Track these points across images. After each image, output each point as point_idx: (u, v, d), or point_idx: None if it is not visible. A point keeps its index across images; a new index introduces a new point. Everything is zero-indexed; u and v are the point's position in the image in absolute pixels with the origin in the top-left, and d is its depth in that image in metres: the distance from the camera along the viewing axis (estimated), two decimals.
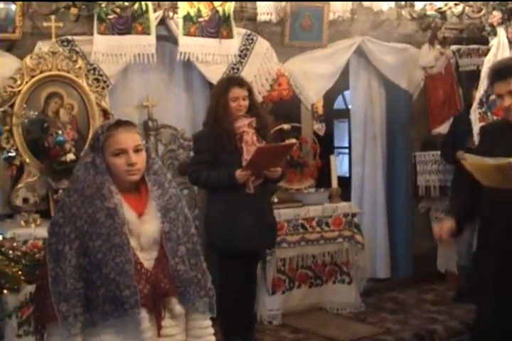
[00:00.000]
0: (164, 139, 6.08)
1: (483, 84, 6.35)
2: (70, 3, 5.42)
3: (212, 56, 6.12)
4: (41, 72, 5.44)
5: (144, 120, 5.98)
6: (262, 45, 6.41)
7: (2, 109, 5.01)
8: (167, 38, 6.11)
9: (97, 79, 5.69)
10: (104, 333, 2.67)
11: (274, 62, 6.49)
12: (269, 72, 6.45)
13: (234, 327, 5.18)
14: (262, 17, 6.44)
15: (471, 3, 6.96)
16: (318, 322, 6.12)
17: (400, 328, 5.93)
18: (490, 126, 4.71)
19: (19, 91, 5.35)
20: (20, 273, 3.72)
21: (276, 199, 6.04)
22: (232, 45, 6.21)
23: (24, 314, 4.67)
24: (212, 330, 2.95)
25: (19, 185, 5.39)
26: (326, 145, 7.62)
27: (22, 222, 5.19)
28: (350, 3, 6.75)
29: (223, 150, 4.98)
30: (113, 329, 2.67)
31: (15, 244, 3.90)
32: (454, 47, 7.37)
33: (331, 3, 6.65)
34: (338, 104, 10.32)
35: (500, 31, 6.34)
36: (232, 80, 5.23)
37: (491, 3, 6.50)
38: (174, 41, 6.05)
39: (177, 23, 5.97)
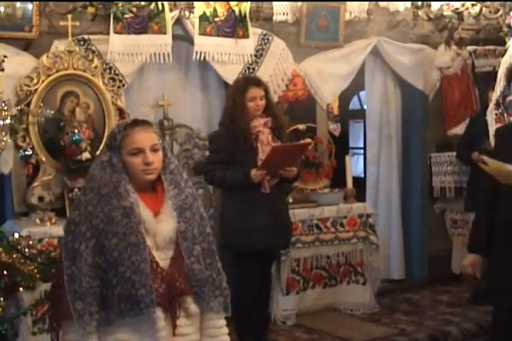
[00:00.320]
0: (179, 139, 6.08)
1: (499, 85, 6.33)
2: (87, 2, 5.43)
3: (228, 56, 6.12)
4: (57, 71, 5.47)
5: (159, 119, 5.98)
6: (278, 45, 6.41)
7: (19, 108, 5.02)
8: (183, 38, 6.12)
9: (113, 79, 5.71)
10: (120, 331, 2.68)
11: (290, 62, 6.49)
12: (284, 72, 6.45)
13: (248, 327, 5.18)
14: (278, 17, 6.45)
15: (488, 3, 6.93)
16: (332, 322, 6.11)
17: (414, 329, 5.91)
18: (505, 128, 4.68)
19: (35, 90, 5.37)
20: (35, 271, 3.74)
21: (291, 200, 6.03)
22: (248, 45, 6.21)
23: (39, 312, 4.68)
24: (226, 330, 2.95)
25: (35, 184, 5.41)
26: (341, 145, 7.60)
27: (37, 221, 5.21)
28: (367, 3, 6.75)
29: (239, 149, 4.98)
30: (128, 327, 2.67)
31: (31, 242, 3.91)
32: (470, 47, 7.35)
33: (348, 3, 6.65)
34: (354, 104, 10.30)
35: None
36: (250, 80, 5.23)
37: (509, 3, 6.48)
38: (190, 41, 6.06)
39: (193, 23, 5.97)
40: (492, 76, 6.81)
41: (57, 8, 5.45)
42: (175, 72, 6.33)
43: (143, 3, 5.65)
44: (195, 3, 5.93)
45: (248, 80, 5.23)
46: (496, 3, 6.85)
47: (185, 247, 2.78)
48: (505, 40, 6.54)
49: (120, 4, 5.55)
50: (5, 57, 4.71)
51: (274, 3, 6.39)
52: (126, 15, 5.64)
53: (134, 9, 5.61)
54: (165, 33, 5.81)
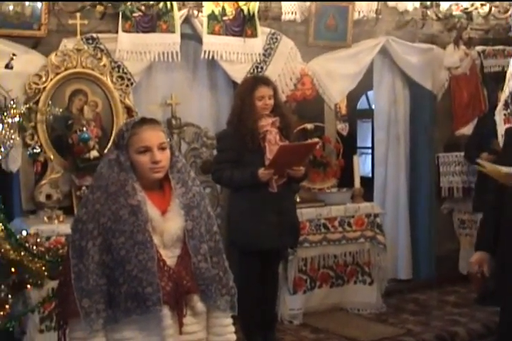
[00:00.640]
0: (187, 137, 6.09)
1: (508, 85, 6.30)
2: (96, 1, 5.44)
3: (236, 55, 6.12)
4: (66, 69, 5.47)
5: (167, 118, 5.98)
6: (287, 44, 6.41)
7: (27, 106, 5.03)
8: (191, 37, 6.12)
9: (121, 77, 5.71)
10: (126, 329, 2.68)
11: (298, 61, 6.48)
12: (293, 72, 6.45)
13: (255, 326, 5.18)
14: (286, 16, 6.44)
15: (498, 3, 6.91)
16: (338, 322, 6.11)
17: (421, 330, 5.89)
18: None
19: (44, 88, 5.38)
20: (43, 268, 3.74)
21: (298, 199, 6.02)
22: (256, 44, 6.21)
23: (46, 309, 4.70)
24: (233, 328, 2.95)
25: (43, 182, 5.42)
26: (349, 145, 7.60)
27: (45, 218, 5.22)
28: (375, 2, 6.73)
29: (246, 149, 4.97)
30: (135, 325, 2.68)
31: (38, 240, 3.92)
32: (479, 47, 7.34)
33: (356, 2, 6.63)
34: (362, 104, 10.29)
35: None
36: (258, 79, 5.23)
37: None
38: (198, 40, 6.06)
39: (201, 22, 5.98)
40: (501, 76, 6.78)
41: (66, 7, 5.46)
42: (183, 70, 6.33)
43: (151, 2, 5.66)
44: (204, 2, 5.93)
45: (257, 79, 5.23)
46: (506, 3, 6.84)
47: (193, 246, 2.78)
48: None
49: (129, 3, 5.56)
50: (14, 55, 4.71)
51: (282, 2, 6.38)
52: (134, 14, 5.65)
53: (143, 8, 5.62)
54: (173, 32, 5.81)
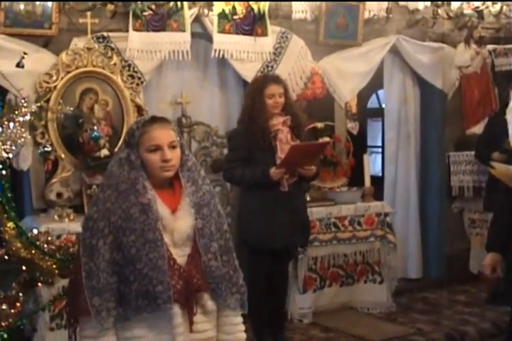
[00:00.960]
0: (198, 136, 6.09)
1: None
2: (107, 0, 5.46)
3: (246, 54, 6.12)
4: (76, 68, 5.49)
5: (177, 117, 5.99)
6: (297, 43, 6.40)
7: (38, 105, 5.04)
8: (202, 35, 6.13)
9: (132, 76, 5.72)
10: (137, 327, 2.68)
11: (309, 60, 6.47)
12: (303, 70, 6.44)
13: (264, 325, 5.18)
14: (296, 15, 6.44)
15: (509, 2, 6.89)
16: (348, 321, 6.10)
17: (431, 329, 5.89)
18: None
19: (55, 86, 5.40)
20: (54, 266, 3.75)
21: (308, 198, 6.02)
22: (266, 43, 6.21)
23: (57, 308, 4.72)
24: (243, 327, 2.95)
25: (53, 180, 5.44)
26: (359, 144, 7.59)
27: (56, 217, 5.24)
28: (386, 1, 6.73)
29: (257, 148, 4.98)
30: (145, 323, 2.68)
31: (49, 238, 3.93)
32: (490, 46, 7.32)
33: (367, 1, 6.62)
34: (372, 102, 10.27)
35: None
36: (269, 77, 5.24)
37: None
38: (209, 38, 6.07)
39: (212, 21, 5.98)
40: None
41: (76, 6, 5.48)
42: (193, 69, 6.33)
43: (162, 1, 5.66)
44: (214, 1, 5.93)
45: (267, 77, 5.24)
46: None
47: (203, 244, 2.78)
48: None
49: (139, 2, 5.57)
50: (25, 54, 4.72)
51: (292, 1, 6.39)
52: (145, 13, 5.66)
53: (153, 7, 5.63)
54: (184, 31, 5.82)
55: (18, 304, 3.63)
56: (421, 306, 6.62)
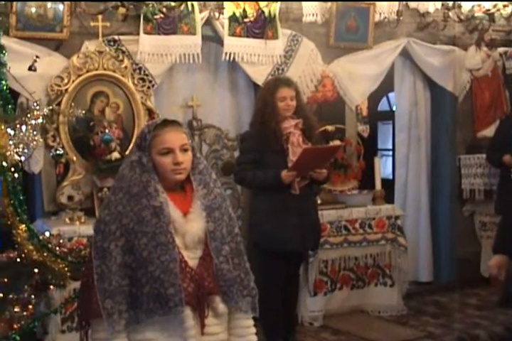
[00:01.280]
0: (208, 139, 6.10)
1: None
2: (119, 3, 5.47)
3: (257, 57, 6.12)
4: (88, 71, 5.50)
5: (188, 120, 6.00)
6: (307, 46, 6.40)
7: (50, 108, 5.05)
8: (212, 38, 6.13)
9: (143, 79, 5.73)
10: (148, 330, 2.69)
11: (319, 63, 6.47)
12: (313, 73, 6.43)
13: (275, 328, 5.18)
14: (307, 18, 6.44)
15: None
16: (359, 324, 6.10)
17: (442, 332, 5.88)
18: None
19: (66, 90, 5.41)
20: (66, 269, 3.76)
21: (319, 201, 6.02)
22: (277, 46, 6.21)
23: (68, 310, 4.73)
24: (254, 330, 2.95)
25: (64, 183, 5.45)
26: (370, 147, 7.58)
27: (67, 220, 5.25)
28: (396, 4, 6.71)
29: (269, 150, 4.98)
30: (157, 326, 2.68)
31: (61, 241, 3.94)
32: (501, 49, 7.31)
33: (377, 4, 6.62)
34: (383, 105, 10.26)
35: None
36: (280, 80, 5.24)
37: None
38: (219, 41, 6.07)
39: (222, 24, 5.99)
40: None
41: (88, 9, 5.49)
42: (204, 72, 6.34)
43: (173, 3, 5.67)
44: (225, 4, 5.94)
45: (279, 80, 5.25)
46: None
47: (214, 247, 2.78)
48: None
49: (151, 5, 5.58)
50: (37, 57, 4.74)
51: (303, 3, 6.38)
52: (156, 16, 5.66)
53: (164, 10, 5.64)
54: (194, 34, 5.82)
55: (30, 306, 3.64)
56: (432, 309, 6.61)
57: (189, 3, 5.76)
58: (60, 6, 5.39)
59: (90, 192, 5.52)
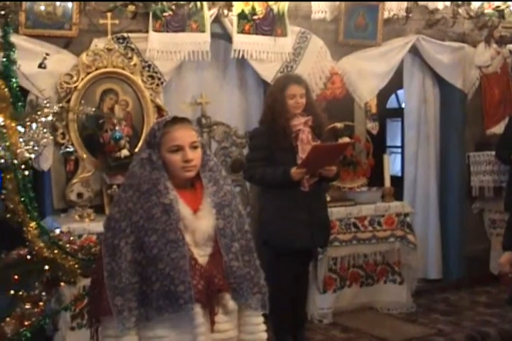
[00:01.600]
0: (217, 136, 6.10)
1: None
2: (128, 1, 5.48)
3: (266, 54, 6.12)
4: (97, 69, 5.51)
5: (197, 117, 6.00)
6: (316, 43, 6.39)
7: (60, 105, 5.06)
8: (221, 36, 6.13)
9: (152, 76, 5.74)
10: (159, 327, 2.69)
11: (328, 60, 6.46)
12: (322, 71, 6.43)
13: (285, 325, 5.18)
14: (316, 15, 6.43)
15: None
16: (368, 321, 6.09)
17: (451, 330, 5.86)
18: None
19: (75, 87, 5.42)
20: (76, 266, 3.77)
21: (328, 198, 6.01)
22: (286, 43, 6.20)
23: (77, 307, 4.73)
24: (264, 327, 2.95)
25: (74, 180, 5.46)
26: (379, 144, 7.57)
27: (76, 217, 5.25)
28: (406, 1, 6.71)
29: (278, 148, 4.98)
30: (167, 323, 2.68)
31: (71, 238, 3.95)
32: (510, 46, 7.28)
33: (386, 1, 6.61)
34: (391, 102, 10.23)
35: None
36: (290, 77, 5.24)
37: None
38: (228, 39, 6.07)
39: (231, 21, 5.99)
40: None
41: (97, 7, 5.50)
42: (213, 70, 6.34)
43: (182, 1, 5.67)
44: (234, 2, 5.94)
45: (289, 78, 5.25)
46: None
47: (224, 244, 2.79)
48: None
49: (159, 2, 5.58)
50: (47, 54, 4.74)
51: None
52: (165, 14, 5.67)
53: (174, 7, 5.64)
54: (203, 31, 5.83)
55: (41, 303, 3.65)
56: (441, 307, 6.59)
57: None
58: (69, 4, 5.39)
59: (99, 190, 5.54)
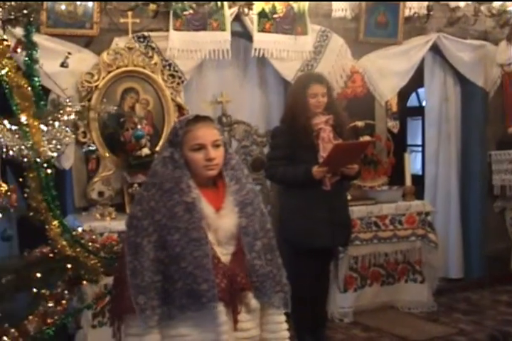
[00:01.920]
0: (238, 135, 6.11)
1: None
2: (149, 0, 5.49)
3: (286, 52, 6.12)
4: (118, 68, 5.52)
5: (218, 116, 6.00)
6: (337, 41, 6.38)
7: (82, 104, 5.08)
8: (242, 34, 6.13)
9: (173, 75, 5.74)
10: (182, 326, 2.68)
11: (349, 58, 6.45)
12: (343, 69, 6.42)
13: (306, 324, 5.17)
14: (336, 13, 6.43)
15: None
16: (389, 320, 6.08)
17: (473, 329, 5.85)
18: None
19: (96, 86, 5.44)
20: (98, 265, 3.78)
21: (349, 197, 5.99)
22: (306, 42, 6.20)
23: (99, 305, 4.75)
24: (286, 325, 2.95)
25: (95, 179, 5.48)
26: (399, 142, 7.55)
27: (97, 215, 5.27)
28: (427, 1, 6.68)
29: (300, 146, 4.96)
30: (190, 322, 2.68)
31: (94, 237, 3.96)
32: None
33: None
34: (412, 101, 10.20)
35: None
36: (312, 76, 5.22)
37: None
38: (249, 37, 6.07)
39: (252, 20, 5.98)
40: None
41: (118, 6, 5.51)
42: (233, 68, 6.35)
43: (202, 0, 5.68)
44: (254, 1, 5.93)
45: (310, 76, 5.22)
46: None
47: (247, 243, 2.78)
48: None
49: (180, 1, 5.59)
50: (69, 53, 4.76)
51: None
52: (185, 12, 5.67)
53: (194, 6, 5.64)
54: (224, 30, 5.83)
55: (63, 302, 3.66)
56: (463, 306, 6.57)
57: None
58: (90, 3, 5.41)
59: (120, 188, 5.55)
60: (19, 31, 3.90)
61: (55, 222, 3.69)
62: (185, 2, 5.63)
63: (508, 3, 6.78)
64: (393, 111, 6.86)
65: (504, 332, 5.70)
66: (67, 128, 3.67)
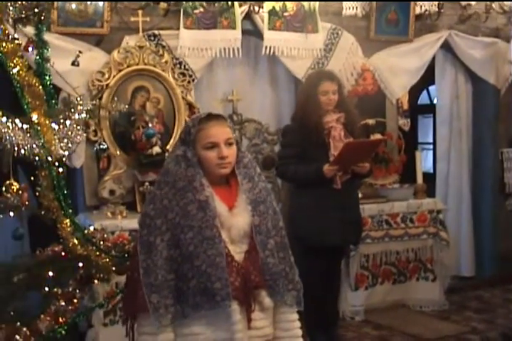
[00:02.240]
0: (248, 133, 6.11)
1: None
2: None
3: (297, 50, 6.11)
4: (128, 66, 5.53)
5: (228, 114, 6.00)
6: (347, 39, 6.37)
7: (93, 102, 5.08)
8: (252, 33, 6.13)
9: (183, 74, 5.75)
10: (195, 324, 2.68)
11: (359, 56, 6.43)
12: (354, 67, 6.41)
13: (317, 323, 5.16)
14: (347, 11, 6.41)
15: None
16: (401, 319, 6.07)
17: (485, 327, 5.83)
18: None
19: (107, 85, 5.45)
20: (110, 263, 3.77)
21: (360, 195, 5.97)
22: (317, 40, 6.19)
23: (110, 304, 4.75)
24: (299, 324, 2.94)
25: (106, 178, 5.48)
26: (410, 140, 7.53)
27: (109, 214, 5.28)
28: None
29: (311, 144, 4.94)
30: (204, 320, 2.67)
31: (105, 235, 3.95)
32: None
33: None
34: (423, 99, 10.18)
35: None
36: (323, 74, 5.20)
37: None
38: (259, 35, 6.06)
39: (262, 18, 5.98)
40: None
41: (129, 4, 5.52)
42: (244, 66, 6.34)
43: None
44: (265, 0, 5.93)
45: (321, 74, 5.21)
46: None
47: (260, 241, 2.77)
48: None
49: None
50: (80, 52, 4.76)
51: None
52: (196, 11, 5.68)
53: (205, 4, 5.64)
54: (234, 28, 5.83)
55: (75, 300, 3.66)
56: (474, 304, 6.55)
57: None
58: (101, 2, 5.41)
59: (131, 187, 5.55)
60: (30, 30, 3.91)
61: (67, 221, 3.69)
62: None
63: None
64: (404, 109, 6.85)
65: None
66: (78, 127, 3.67)
